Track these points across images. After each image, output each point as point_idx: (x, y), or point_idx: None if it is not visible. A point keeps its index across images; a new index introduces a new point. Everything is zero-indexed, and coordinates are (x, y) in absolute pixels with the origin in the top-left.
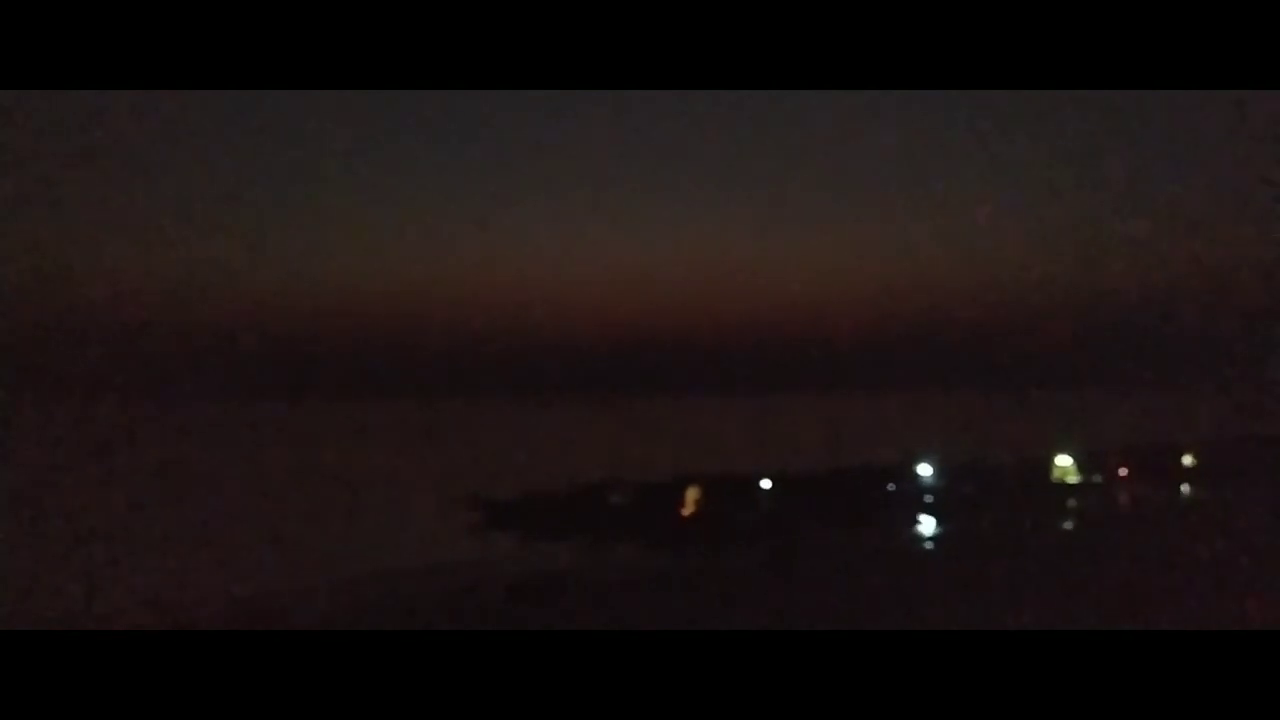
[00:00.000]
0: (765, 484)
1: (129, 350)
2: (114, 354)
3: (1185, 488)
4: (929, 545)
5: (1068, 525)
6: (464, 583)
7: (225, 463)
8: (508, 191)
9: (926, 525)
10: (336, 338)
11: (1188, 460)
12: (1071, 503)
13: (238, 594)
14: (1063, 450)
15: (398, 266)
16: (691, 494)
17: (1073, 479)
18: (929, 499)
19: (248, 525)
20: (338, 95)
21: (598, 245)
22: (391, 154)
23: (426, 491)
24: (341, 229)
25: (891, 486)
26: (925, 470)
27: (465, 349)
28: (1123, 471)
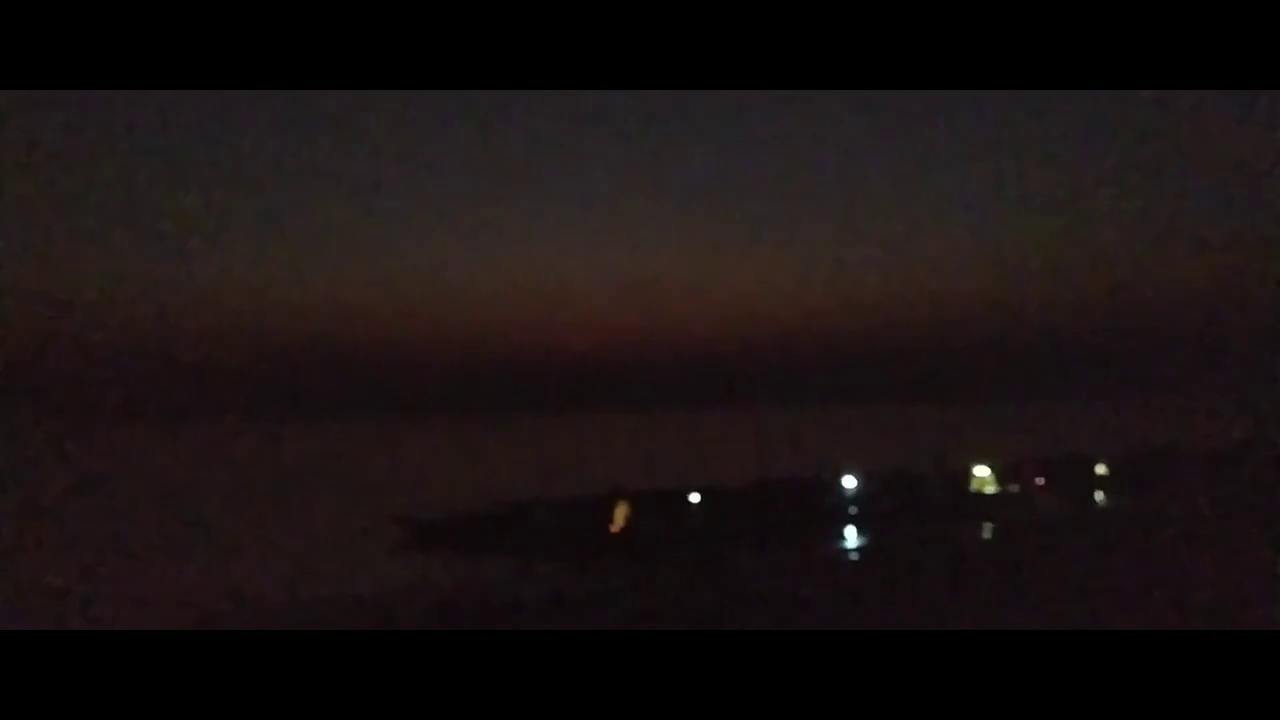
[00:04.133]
0: (694, 498)
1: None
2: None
3: (1099, 495)
4: (853, 556)
5: (986, 534)
6: (391, 606)
7: (146, 483)
8: (423, 209)
9: (850, 537)
10: (255, 355)
11: (1100, 469)
12: (990, 512)
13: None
14: (981, 461)
15: (321, 283)
16: (620, 510)
17: (991, 489)
18: (853, 510)
19: (176, 548)
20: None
21: (521, 262)
22: (315, 169)
23: (350, 511)
24: (252, 243)
25: (818, 499)
26: (850, 482)
27: (389, 367)
28: (1039, 481)
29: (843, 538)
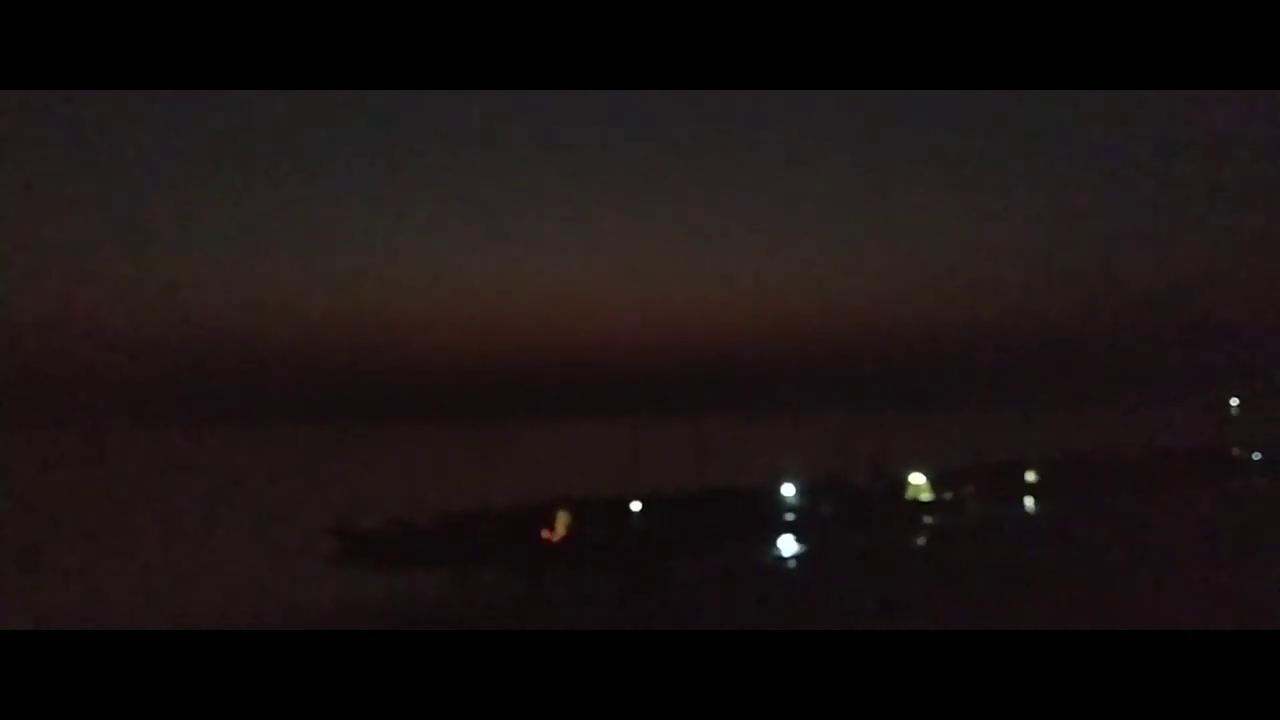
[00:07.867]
0: (635, 506)
1: None
2: None
3: (1028, 501)
4: (791, 563)
5: (921, 540)
6: (330, 616)
7: (78, 488)
8: (364, 216)
9: (788, 544)
10: (195, 358)
11: (1030, 477)
12: (925, 519)
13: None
14: (916, 469)
15: (258, 287)
16: (562, 518)
17: (926, 496)
18: (791, 517)
19: (111, 554)
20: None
21: (462, 272)
22: (253, 172)
23: (291, 520)
24: (181, 247)
25: (757, 506)
26: (789, 490)
27: (326, 374)
28: (970, 488)
29: (780, 545)
